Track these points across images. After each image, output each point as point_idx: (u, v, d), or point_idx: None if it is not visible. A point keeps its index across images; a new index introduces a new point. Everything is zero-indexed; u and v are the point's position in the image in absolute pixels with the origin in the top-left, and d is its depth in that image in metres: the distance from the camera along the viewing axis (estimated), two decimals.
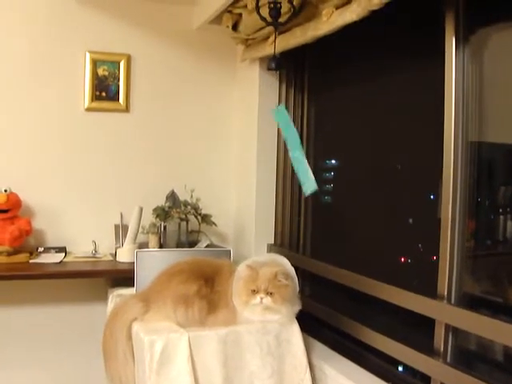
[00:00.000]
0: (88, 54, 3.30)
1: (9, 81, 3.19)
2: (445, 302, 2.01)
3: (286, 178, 3.22)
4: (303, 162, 2.55)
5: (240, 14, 3.01)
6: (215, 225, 3.30)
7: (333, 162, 3.07)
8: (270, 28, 2.68)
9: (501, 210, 2.02)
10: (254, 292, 2.24)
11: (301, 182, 2.57)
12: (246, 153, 3.37)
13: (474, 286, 2.09)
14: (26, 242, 3.15)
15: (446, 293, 2.02)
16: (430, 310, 2.03)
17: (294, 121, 3.19)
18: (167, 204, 3.23)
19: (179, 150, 3.51)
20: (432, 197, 2.29)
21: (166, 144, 3.49)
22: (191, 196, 3.26)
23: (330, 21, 2.30)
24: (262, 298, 2.23)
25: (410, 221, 2.43)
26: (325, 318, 2.74)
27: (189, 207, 3.22)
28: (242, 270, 2.32)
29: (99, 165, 3.36)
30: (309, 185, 2.52)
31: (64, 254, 3.17)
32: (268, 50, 2.86)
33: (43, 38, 3.22)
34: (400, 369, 2.31)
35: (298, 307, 2.37)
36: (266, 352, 2.28)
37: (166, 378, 2.14)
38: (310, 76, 3.17)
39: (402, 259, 2.46)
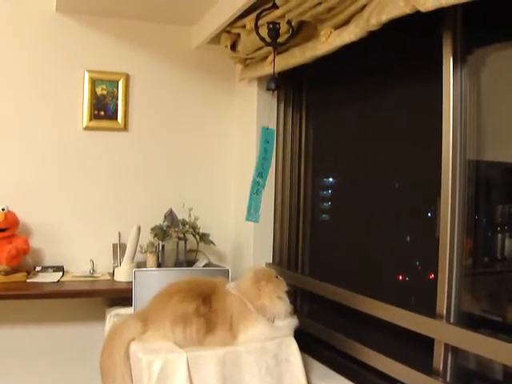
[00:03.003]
0: (86, 73, 3.31)
1: (7, 99, 3.20)
2: (444, 321, 2.00)
3: (285, 196, 3.22)
4: (261, 192, 2.57)
5: (238, 34, 3.04)
6: (213, 244, 3.30)
7: (331, 180, 3.08)
8: (269, 48, 2.69)
9: (498, 229, 2.02)
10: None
11: (248, 207, 2.59)
12: (245, 172, 3.36)
13: (472, 305, 2.09)
14: (24, 261, 3.13)
15: (445, 312, 2.01)
16: (429, 329, 2.03)
17: (291, 139, 3.21)
18: (165, 223, 3.23)
19: (177, 168, 3.52)
20: (429, 214, 2.29)
21: (165, 163, 3.50)
22: (189, 215, 3.26)
23: (329, 41, 2.32)
24: None
25: (408, 239, 2.43)
26: (323, 337, 2.73)
27: (187, 226, 3.22)
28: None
29: (97, 184, 3.36)
30: (253, 214, 2.56)
31: (61, 274, 3.16)
32: (266, 69, 2.88)
33: (42, 57, 3.24)
34: None
35: (295, 321, 2.36)
36: (265, 372, 2.26)
37: None
38: (307, 95, 3.19)
39: (400, 277, 2.46)
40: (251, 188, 2.57)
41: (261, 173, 2.57)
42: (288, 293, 2.35)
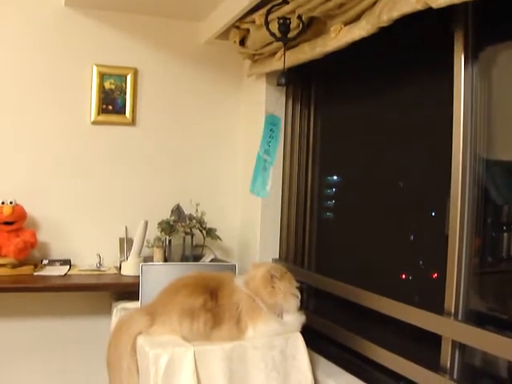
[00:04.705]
0: (95, 68, 3.31)
1: (16, 94, 3.21)
2: (452, 318, 2.00)
3: (292, 192, 3.22)
4: (268, 169, 2.60)
5: (247, 30, 3.03)
6: (220, 239, 3.30)
7: (338, 176, 3.07)
8: (278, 43, 2.70)
9: (505, 228, 2.02)
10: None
11: (252, 180, 2.61)
12: (252, 167, 3.36)
13: (480, 303, 2.08)
14: (31, 255, 3.14)
15: (453, 309, 2.01)
16: (437, 326, 2.02)
17: (299, 135, 3.21)
18: (172, 218, 3.23)
19: (185, 163, 3.52)
20: (438, 213, 2.29)
21: (172, 158, 3.50)
22: (196, 210, 3.27)
23: (339, 37, 2.31)
24: None
25: (416, 236, 2.43)
26: (330, 334, 2.73)
27: (194, 221, 3.22)
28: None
29: (105, 178, 3.37)
30: (259, 188, 2.59)
31: (68, 267, 3.17)
32: (275, 65, 2.88)
33: (50, 51, 3.24)
34: None
35: (302, 317, 2.36)
36: (271, 367, 2.26)
37: None
38: (316, 91, 3.18)
39: (403, 276, 2.45)
40: (257, 163, 2.61)
41: (267, 150, 2.60)
42: (299, 288, 2.36)
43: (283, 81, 2.58)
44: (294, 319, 2.33)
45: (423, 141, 2.37)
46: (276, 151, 2.62)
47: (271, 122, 2.65)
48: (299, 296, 2.33)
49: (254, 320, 2.27)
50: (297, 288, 2.35)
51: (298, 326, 2.34)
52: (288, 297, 2.30)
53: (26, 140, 3.23)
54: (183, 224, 3.19)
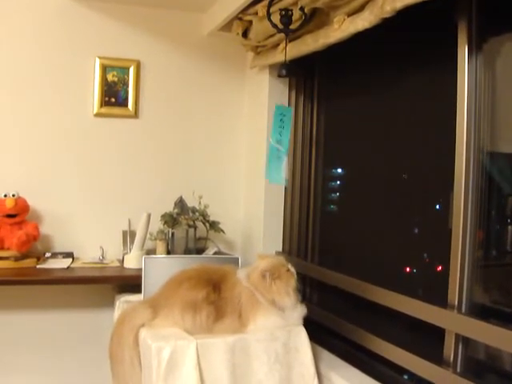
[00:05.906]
0: (98, 60, 3.31)
1: (19, 86, 3.20)
2: (455, 311, 1.99)
3: (295, 185, 3.21)
4: (283, 159, 2.63)
5: (250, 21, 3.02)
6: (223, 232, 3.29)
7: (342, 169, 3.06)
8: (280, 35, 2.68)
9: (509, 221, 2.01)
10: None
11: (268, 169, 2.66)
12: (255, 159, 3.37)
13: (484, 296, 2.08)
14: (34, 247, 3.15)
15: (456, 302, 2.00)
16: (441, 319, 2.01)
17: (303, 128, 3.20)
18: (175, 210, 3.23)
19: (188, 156, 3.52)
20: (441, 206, 2.28)
21: (175, 150, 3.49)
22: (199, 203, 3.26)
23: (342, 28, 2.30)
24: None
25: (419, 229, 2.42)
26: (333, 327, 2.72)
27: (197, 214, 3.22)
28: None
29: (107, 170, 3.36)
30: (276, 177, 2.61)
31: (71, 260, 3.17)
32: (278, 57, 2.87)
33: (53, 43, 3.24)
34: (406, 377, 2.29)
35: (304, 310, 2.36)
36: (274, 360, 2.26)
37: None
38: (319, 83, 3.16)
39: (407, 269, 2.45)
40: (270, 153, 2.64)
41: (279, 141, 2.61)
42: (297, 288, 2.34)
43: (284, 72, 2.57)
44: (296, 312, 2.32)
45: (427, 133, 2.35)
46: (288, 140, 2.63)
47: (281, 113, 2.65)
48: (294, 295, 2.30)
49: (254, 314, 2.26)
50: (295, 285, 2.32)
51: (299, 319, 2.34)
52: (282, 296, 2.28)
53: (29, 132, 3.22)
54: (186, 217, 3.18)
